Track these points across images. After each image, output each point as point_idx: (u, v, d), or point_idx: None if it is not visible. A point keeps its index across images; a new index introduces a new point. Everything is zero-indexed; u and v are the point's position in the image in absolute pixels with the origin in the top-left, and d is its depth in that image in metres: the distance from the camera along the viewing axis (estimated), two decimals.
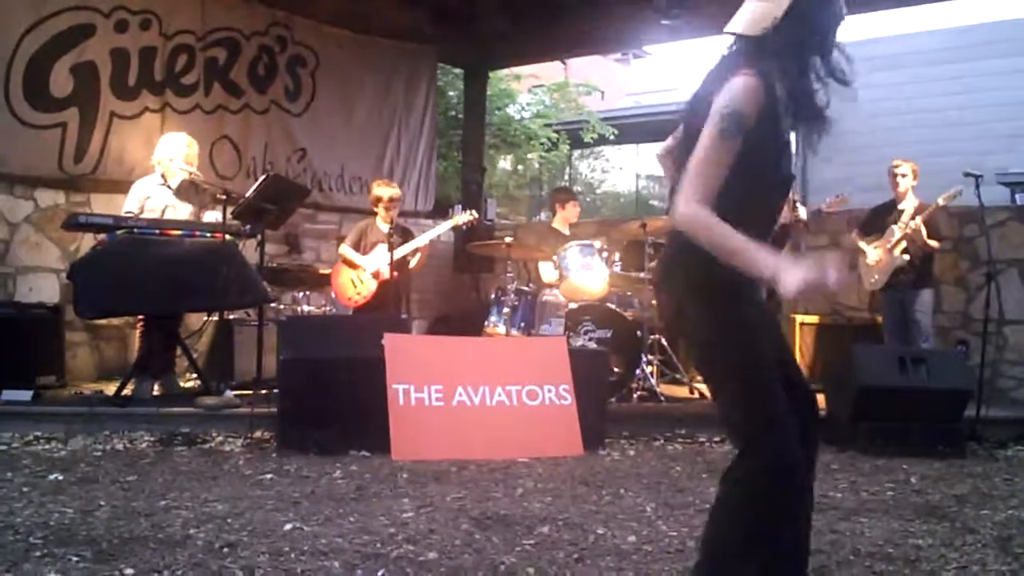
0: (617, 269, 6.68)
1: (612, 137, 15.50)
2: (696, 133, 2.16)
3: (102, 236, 5.30)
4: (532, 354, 5.30)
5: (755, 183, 2.16)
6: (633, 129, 16.73)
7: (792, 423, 2.17)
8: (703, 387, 6.85)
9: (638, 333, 6.33)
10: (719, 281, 2.14)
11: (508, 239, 6.57)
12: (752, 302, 2.27)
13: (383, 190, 6.72)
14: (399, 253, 6.47)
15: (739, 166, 2.12)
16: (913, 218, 6.36)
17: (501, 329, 6.29)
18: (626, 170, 23.49)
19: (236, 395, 5.58)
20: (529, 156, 16.44)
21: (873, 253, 6.56)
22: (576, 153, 20.64)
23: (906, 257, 6.40)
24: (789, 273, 2.00)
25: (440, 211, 9.45)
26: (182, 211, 5.84)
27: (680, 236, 2.20)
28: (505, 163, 17.67)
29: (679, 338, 2.34)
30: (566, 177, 23.07)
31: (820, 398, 5.83)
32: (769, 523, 2.17)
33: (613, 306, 6.38)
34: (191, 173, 5.77)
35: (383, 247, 6.49)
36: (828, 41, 2.24)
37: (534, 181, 20.28)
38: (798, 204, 6.69)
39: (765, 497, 2.14)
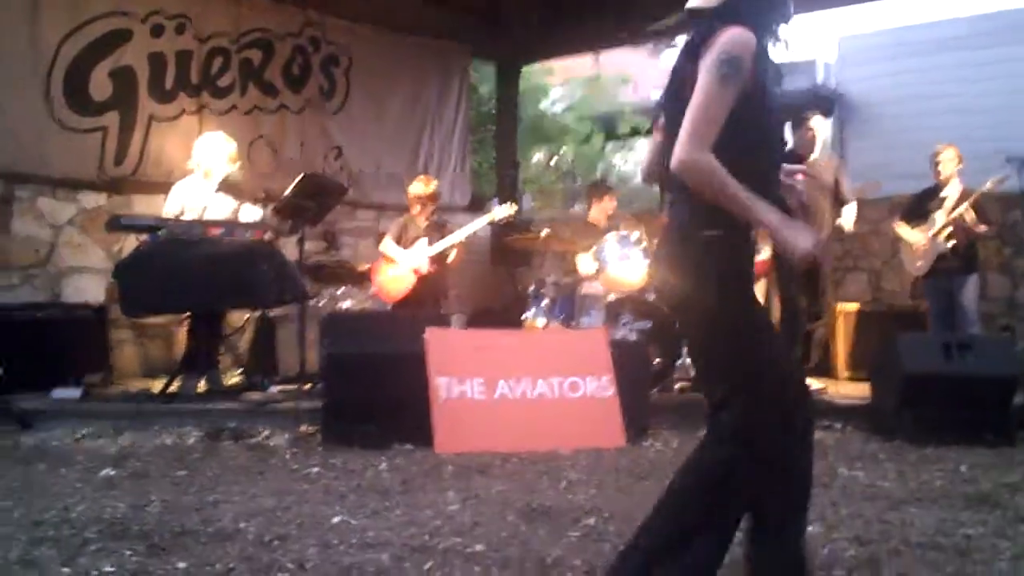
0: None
1: (645, 129, 15.43)
2: (682, 113, 2.14)
3: (144, 237, 5.37)
4: (572, 346, 5.31)
5: (742, 140, 2.14)
6: None
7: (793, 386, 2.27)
8: None
9: (677, 324, 6.24)
10: (726, 258, 2.19)
11: (545, 232, 6.57)
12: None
13: (419, 187, 6.75)
14: (438, 248, 6.49)
15: (727, 121, 2.11)
16: (959, 204, 6.26)
17: (540, 322, 6.31)
18: None
19: (280, 390, 5.64)
20: (562, 150, 16.41)
21: (916, 238, 6.48)
22: (609, 146, 20.52)
23: (951, 243, 6.30)
24: (799, 232, 2.07)
25: (476, 205, 9.46)
26: (222, 211, 5.88)
27: (682, 212, 2.23)
28: (538, 157, 17.65)
29: (682, 317, 2.36)
30: (599, 170, 22.94)
31: (864, 387, 5.87)
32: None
33: (652, 297, 6.34)
34: (229, 173, 5.82)
35: (422, 242, 6.54)
36: (789, 7, 2.27)
37: (567, 174, 20.21)
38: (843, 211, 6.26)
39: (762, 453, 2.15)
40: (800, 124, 6.18)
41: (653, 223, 7.09)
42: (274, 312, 6.34)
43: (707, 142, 2.09)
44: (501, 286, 9.12)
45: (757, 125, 2.18)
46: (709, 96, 2.11)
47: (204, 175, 5.91)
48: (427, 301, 6.54)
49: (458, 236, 6.62)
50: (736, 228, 2.22)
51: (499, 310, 8.30)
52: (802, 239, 2.10)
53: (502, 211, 6.74)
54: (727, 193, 2.09)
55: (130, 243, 6.03)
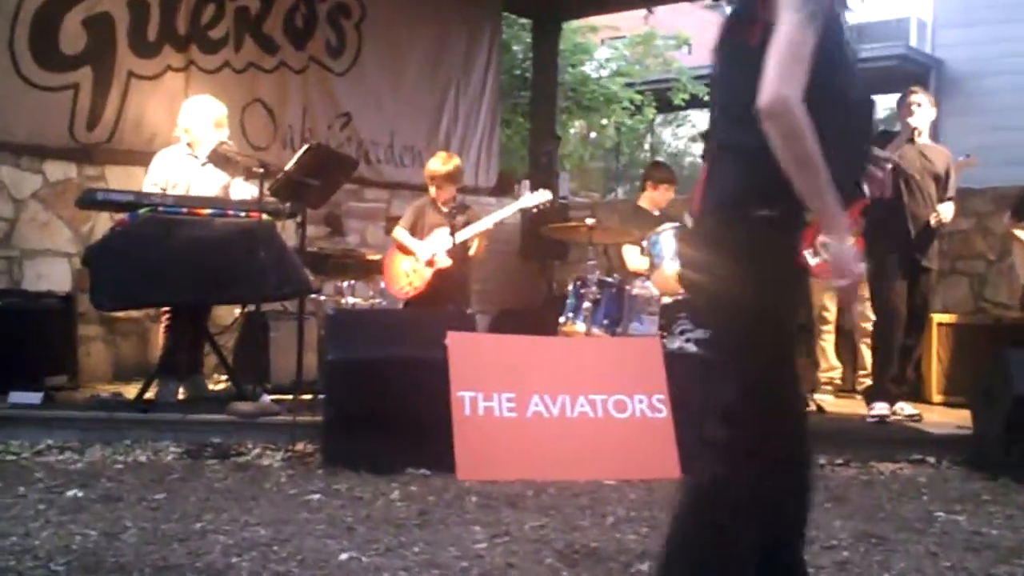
0: None
1: (706, 98, 15.37)
2: (737, 78, 2.21)
3: (121, 216, 5.38)
4: (620, 357, 5.29)
5: (812, 96, 2.12)
6: None
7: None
8: (823, 399, 6.78)
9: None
10: (778, 247, 2.24)
11: (590, 220, 6.54)
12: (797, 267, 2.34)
13: (437, 165, 6.73)
14: (460, 238, 6.48)
15: None
16: None
17: (580, 327, 6.28)
18: None
19: (274, 400, 5.65)
20: (604, 122, 16.36)
21: None
22: (658, 119, 20.51)
23: None
24: (850, 252, 2.16)
25: (504, 187, 9.47)
26: (211, 187, 5.92)
27: (726, 183, 2.28)
28: (575, 129, 17.61)
29: (708, 316, 2.40)
30: (647, 146, 22.94)
31: (962, 414, 5.81)
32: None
33: None
34: (222, 142, 5.82)
35: (442, 231, 6.53)
36: None
37: (609, 152, 20.19)
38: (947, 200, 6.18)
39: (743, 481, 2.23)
40: (903, 100, 6.09)
41: None
42: (266, 307, 6.34)
43: (797, 81, 2.09)
44: (532, 283, 9.13)
45: (824, 79, 2.17)
46: (794, 34, 2.11)
47: (190, 144, 5.93)
48: (445, 299, 6.52)
49: (482, 225, 6.61)
50: (793, 208, 2.22)
51: (529, 312, 8.30)
52: (853, 264, 2.18)
53: (535, 198, 6.72)
54: (806, 151, 2.09)
55: (103, 223, 6.04)
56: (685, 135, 24.22)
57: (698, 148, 24.00)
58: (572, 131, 16.83)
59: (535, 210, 6.82)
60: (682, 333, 6.04)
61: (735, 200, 2.27)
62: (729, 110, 2.37)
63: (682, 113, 21.26)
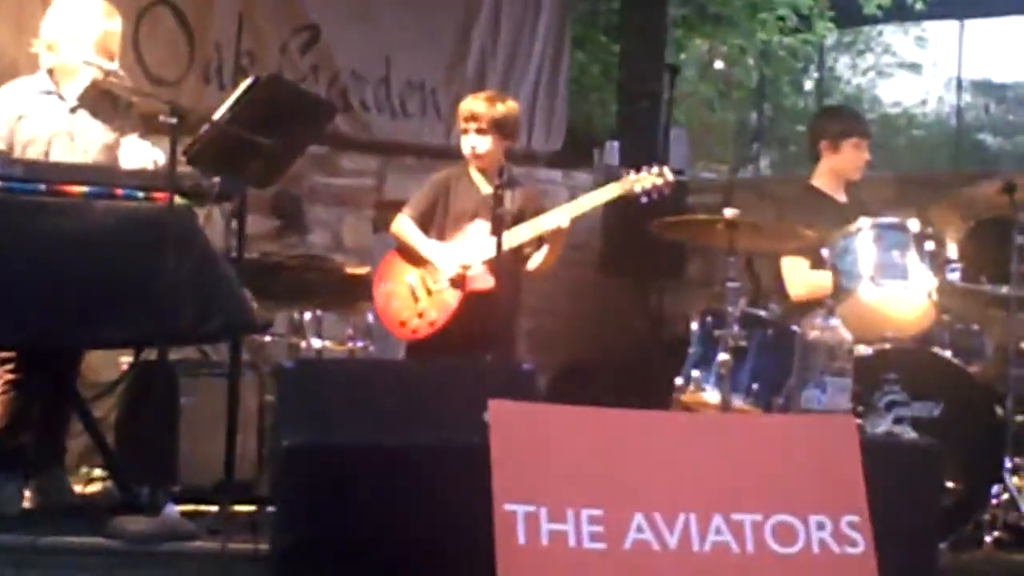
0: (953, 276, 6.54)
1: (921, 5, 15.40)
2: None
3: None
4: (785, 450, 5.20)
5: None
6: None
7: None
8: None
9: (997, 410, 6.22)
10: None
11: (729, 212, 6.44)
12: None
13: (481, 104, 6.74)
14: (513, 240, 6.40)
15: None
16: None
17: (712, 396, 6.24)
18: (934, 71, 23.29)
19: (184, 514, 5.60)
20: (741, 43, 16.36)
21: None
22: (829, 40, 20.52)
23: None
24: None
25: (576, 155, 9.42)
26: (87, 147, 5.93)
27: None
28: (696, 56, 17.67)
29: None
30: (808, 86, 22.89)
31: None
32: None
33: (944, 352, 6.28)
34: (105, 71, 5.83)
35: (478, 227, 6.50)
36: None
37: (748, 95, 20.13)
38: None
39: None
40: None
41: (949, 200, 6.95)
42: (174, 355, 6.32)
43: None
44: (624, 318, 9.06)
45: None
46: None
47: (54, 74, 5.96)
48: (481, 342, 6.48)
49: (552, 220, 6.59)
50: None
51: (620, 367, 8.22)
52: None
53: (645, 178, 6.68)
54: None
55: None
56: (874, 66, 24.20)
57: (896, 86, 24.00)
58: (684, 58, 16.80)
59: (645, 198, 6.72)
60: (891, 407, 5.94)
61: None
62: None
63: (869, 30, 21.34)
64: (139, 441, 6.17)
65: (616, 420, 5.38)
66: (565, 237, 6.73)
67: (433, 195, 6.76)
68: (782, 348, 6.25)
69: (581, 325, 9.10)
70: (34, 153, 5.80)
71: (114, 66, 5.86)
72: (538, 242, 6.61)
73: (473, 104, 6.76)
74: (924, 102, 24.44)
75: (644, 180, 6.65)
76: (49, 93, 5.94)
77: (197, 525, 5.47)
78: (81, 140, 5.90)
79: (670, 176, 6.68)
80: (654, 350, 7.73)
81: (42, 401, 5.90)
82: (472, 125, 6.68)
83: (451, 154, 6.95)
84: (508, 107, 6.79)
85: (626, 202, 6.90)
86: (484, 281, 6.44)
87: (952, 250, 6.67)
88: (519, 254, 6.58)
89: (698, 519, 4.91)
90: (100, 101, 5.94)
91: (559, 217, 6.57)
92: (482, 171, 6.67)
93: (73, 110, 5.91)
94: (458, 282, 6.51)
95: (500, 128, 6.68)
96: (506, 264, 6.43)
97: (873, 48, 23.53)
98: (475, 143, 6.67)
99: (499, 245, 6.29)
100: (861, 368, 6.06)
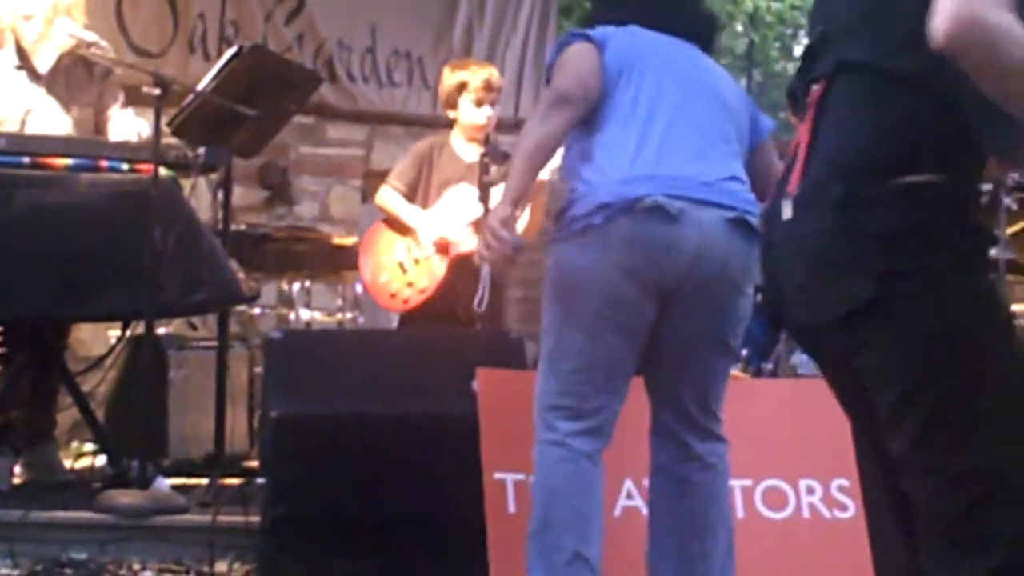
0: None
1: None
2: None
3: None
4: (774, 415, 5.22)
5: None
6: None
7: None
8: None
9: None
10: (954, 234, 2.49)
11: None
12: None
13: (469, 73, 6.73)
14: (496, 198, 6.38)
15: None
16: None
17: None
18: None
19: (175, 487, 5.62)
20: (729, 9, 16.40)
21: None
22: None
23: None
24: None
25: None
26: (62, 118, 5.90)
27: (844, 136, 2.56)
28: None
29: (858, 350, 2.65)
30: (797, 51, 22.86)
31: None
32: None
33: None
34: (81, 41, 5.79)
35: (463, 191, 6.52)
36: None
37: (736, 63, 20.16)
38: None
39: None
40: None
41: None
42: (162, 328, 6.33)
43: None
44: None
45: None
46: None
47: (21, 45, 5.90)
48: (469, 312, 6.45)
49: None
50: (966, 167, 2.54)
51: None
52: None
53: None
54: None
55: None
56: None
57: None
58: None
59: None
60: None
61: (859, 164, 2.54)
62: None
63: None
64: (129, 415, 6.15)
65: None
66: (546, 195, 6.73)
67: (417, 165, 6.76)
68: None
69: None
70: (10, 127, 5.72)
71: (94, 37, 5.82)
72: (524, 203, 6.59)
73: (488, 74, 6.76)
74: None
75: None
76: (18, 68, 5.88)
77: (188, 498, 5.48)
78: (55, 114, 5.86)
79: None
80: None
81: (31, 375, 5.88)
82: (489, 96, 6.69)
83: (439, 123, 6.93)
84: (489, 76, 6.78)
85: None
86: (469, 243, 6.42)
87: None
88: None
89: None
90: (73, 69, 5.91)
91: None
92: (471, 140, 6.67)
93: (49, 83, 5.86)
94: (443, 248, 6.54)
95: (488, 91, 6.71)
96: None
97: None
98: (491, 114, 6.69)
99: (486, 211, 6.31)
100: None
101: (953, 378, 2.51)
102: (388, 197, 6.73)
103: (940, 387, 2.52)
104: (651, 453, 4.26)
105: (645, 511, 4.78)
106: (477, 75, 6.70)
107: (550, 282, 4.17)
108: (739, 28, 17.99)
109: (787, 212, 2.61)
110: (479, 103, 6.65)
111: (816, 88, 2.67)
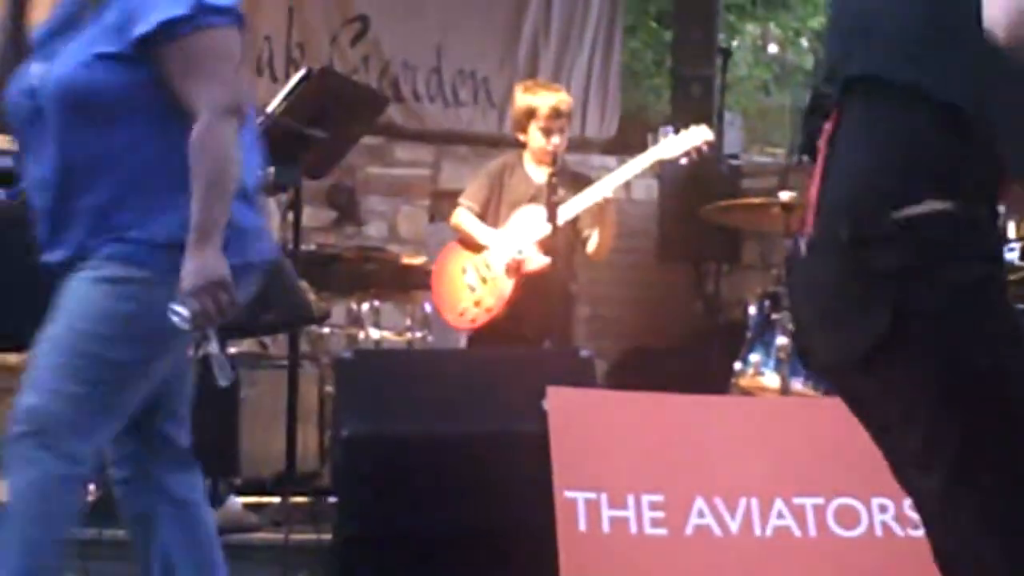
0: (1011, 255, 6.44)
1: None
2: None
3: None
4: (845, 433, 5.08)
5: None
6: None
7: None
8: None
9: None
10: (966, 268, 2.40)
11: (784, 195, 6.43)
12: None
13: (539, 96, 6.73)
14: (564, 213, 6.39)
15: None
16: None
17: (772, 380, 6.25)
18: None
19: (247, 506, 5.67)
20: (796, 25, 16.30)
21: None
22: None
23: None
24: None
25: (631, 141, 9.39)
26: None
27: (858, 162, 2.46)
28: (741, 43, 17.57)
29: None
30: None
31: None
32: None
33: None
34: None
35: (531, 211, 6.52)
36: None
37: (804, 79, 19.96)
38: None
39: None
40: None
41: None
42: (236, 348, 6.38)
43: None
44: (681, 303, 9.02)
45: None
46: None
47: None
48: (539, 330, 6.49)
49: (596, 193, 6.59)
50: (975, 189, 2.40)
51: (678, 351, 8.19)
52: None
53: (683, 140, 6.68)
54: None
55: None
56: None
57: None
58: (734, 45, 16.74)
59: (685, 159, 6.72)
60: None
61: (872, 193, 2.44)
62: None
63: None
64: (200, 434, 6.18)
65: (675, 405, 5.39)
66: (614, 213, 6.76)
67: (489, 185, 6.79)
68: None
69: (639, 311, 9.08)
70: None
71: None
72: (590, 223, 6.61)
73: (557, 100, 6.74)
74: None
75: (682, 143, 6.66)
76: None
77: (260, 517, 5.52)
78: None
79: (709, 135, 6.72)
80: (712, 335, 7.70)
81: None
82: (558, 123, 6.67)
83: (504, 142, 6.95)
84: (561, 99, 6.79)
85: (667, 173, 6.93)
86: (537, 261, 6.46)
87: (1011, 229, 6.61)
88: (576, 236, 6.61)
89: (760, 503, 4.91)
90: None
91: (602, 188, 6.58)
92: (540, 163, 6.67)
93: None
94: (513, 268, 6.54)
95: (558, 115, 6.70)
96: (563, 245, 6.47)
97: None
98: (559, 140, 6.66)
99: (554, 231, 6.33)
100: None
101: (979, 415, 2.44)
102: (462, 217, 6.76)
103: (966, 426, 2.45)
104: None
105: (719, 531, 4.87)
106: (546, 102, 6.68)
107: None
108: (804, 45, 17.85)
109: (803, 252, 2.58)
110: (547, 132, 6.64)
111: (828, 126, 2.61)
